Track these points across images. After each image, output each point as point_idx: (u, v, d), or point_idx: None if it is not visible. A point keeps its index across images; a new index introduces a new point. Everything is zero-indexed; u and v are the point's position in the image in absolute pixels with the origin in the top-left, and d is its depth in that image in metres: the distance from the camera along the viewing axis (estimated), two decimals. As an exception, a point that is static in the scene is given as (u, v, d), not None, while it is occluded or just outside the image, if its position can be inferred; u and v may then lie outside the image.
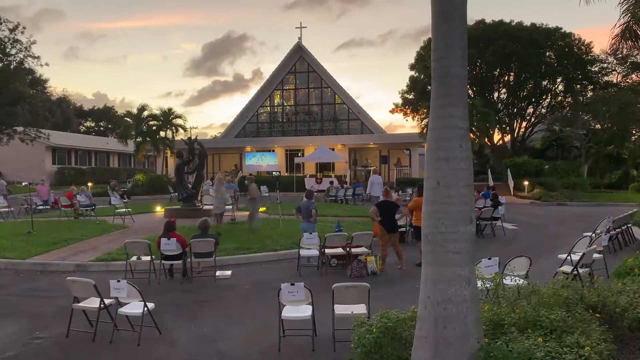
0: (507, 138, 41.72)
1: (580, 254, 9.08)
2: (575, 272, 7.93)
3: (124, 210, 17.46)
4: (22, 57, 34.22)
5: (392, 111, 44.07)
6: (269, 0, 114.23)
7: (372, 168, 33.30)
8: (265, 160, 37.21)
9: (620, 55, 33.55)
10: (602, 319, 5.04)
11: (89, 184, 27.28)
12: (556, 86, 39.35)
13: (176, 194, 20.86)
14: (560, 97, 39.89)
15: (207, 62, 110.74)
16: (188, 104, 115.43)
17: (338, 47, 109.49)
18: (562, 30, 37.14)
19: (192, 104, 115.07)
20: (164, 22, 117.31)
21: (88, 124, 71.80)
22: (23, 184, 22.22)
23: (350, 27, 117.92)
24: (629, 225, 12.98)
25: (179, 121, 39.73)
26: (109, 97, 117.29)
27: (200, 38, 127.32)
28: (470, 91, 37.85)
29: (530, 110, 40.93)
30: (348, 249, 10.37)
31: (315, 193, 12.51)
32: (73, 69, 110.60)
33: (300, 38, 40.20)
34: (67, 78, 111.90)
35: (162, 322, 6.79)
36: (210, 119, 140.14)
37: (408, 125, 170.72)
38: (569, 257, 8.94)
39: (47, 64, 41.88)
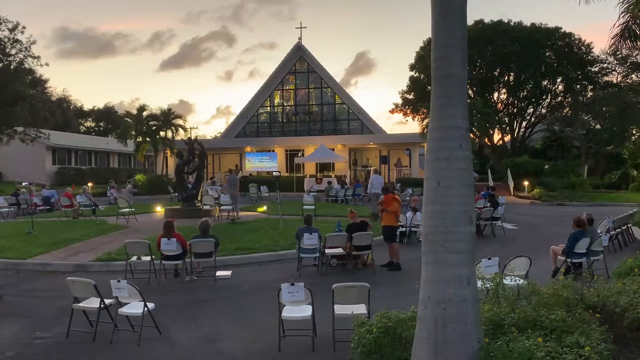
0: (507, 138, 41.71)
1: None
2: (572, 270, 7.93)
3: (128, 210, 17.46)
4: (22, 57, 34.24)
5: (392, 111, 44.14)
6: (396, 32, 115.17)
7: (372, 168, 33.34)
8: (265, 160, 37.19)
9: (620, 56, 33.60)
10: (602, 319, 5.03)
11: (89, 184, 27.21)
12: (556, 86, 39.35)
13: (176, 194, 20.86)
14: (560, 97, 39.89)
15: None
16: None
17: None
18: (562, 30, 37.16)
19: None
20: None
21: (88, 124, 71.78)
22: (23, 184, 22.19)
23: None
24: (629, 225, 12.99)
25: (178, 121, 39.77)
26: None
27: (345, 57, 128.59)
28: (470, 91, 37.84)
29: (530, 110, 40.97)
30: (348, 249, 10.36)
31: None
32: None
33: (300, 38, 40.23)
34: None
35: (162, 322, 6.79)
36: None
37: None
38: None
39: (47, 64, 41.68)
